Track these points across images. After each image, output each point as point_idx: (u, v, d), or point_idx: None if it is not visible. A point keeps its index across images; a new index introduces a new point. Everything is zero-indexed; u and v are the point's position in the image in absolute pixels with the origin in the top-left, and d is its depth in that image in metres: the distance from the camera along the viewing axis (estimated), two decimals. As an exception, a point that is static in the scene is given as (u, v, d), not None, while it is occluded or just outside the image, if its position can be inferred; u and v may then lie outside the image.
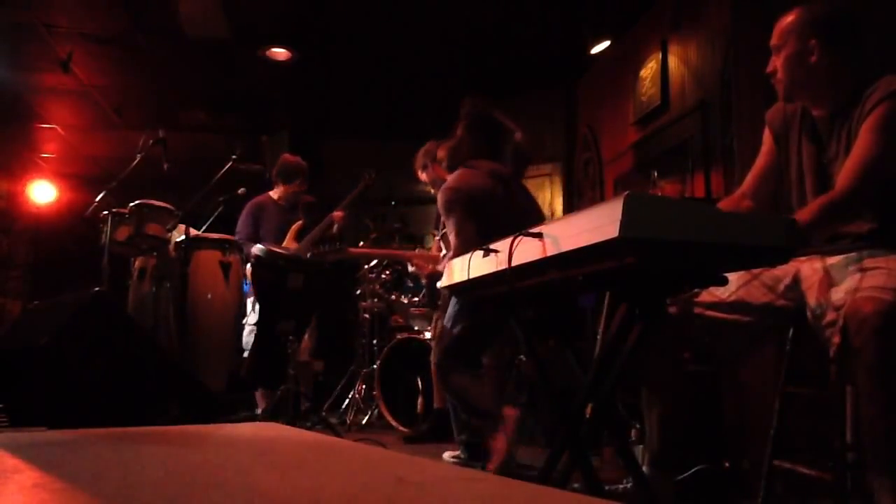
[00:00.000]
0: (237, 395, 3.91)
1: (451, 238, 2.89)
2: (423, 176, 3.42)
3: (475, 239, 2.83)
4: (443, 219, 2.97)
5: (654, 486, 1.81)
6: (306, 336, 4.25)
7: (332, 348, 4.91)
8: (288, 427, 1.81)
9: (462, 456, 3.14)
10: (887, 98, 1.65)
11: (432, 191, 3.40)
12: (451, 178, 2.98)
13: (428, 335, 4.27)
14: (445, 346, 2.90)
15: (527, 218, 2.94)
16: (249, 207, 4.22)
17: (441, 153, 3.26)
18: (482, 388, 2.87)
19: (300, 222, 4.25)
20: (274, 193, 4.33)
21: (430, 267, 3.34)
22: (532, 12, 4.55)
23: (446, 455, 3.25)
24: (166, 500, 0.89)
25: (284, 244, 4.15)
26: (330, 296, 4.53)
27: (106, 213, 3.52)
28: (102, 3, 4.41)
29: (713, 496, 2.31)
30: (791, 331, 1.87)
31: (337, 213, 4.26)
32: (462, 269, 1.90)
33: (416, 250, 3.60)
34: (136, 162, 3.75)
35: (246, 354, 3.97)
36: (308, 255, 3.94)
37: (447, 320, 2.97)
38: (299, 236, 4.20)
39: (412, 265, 3.40)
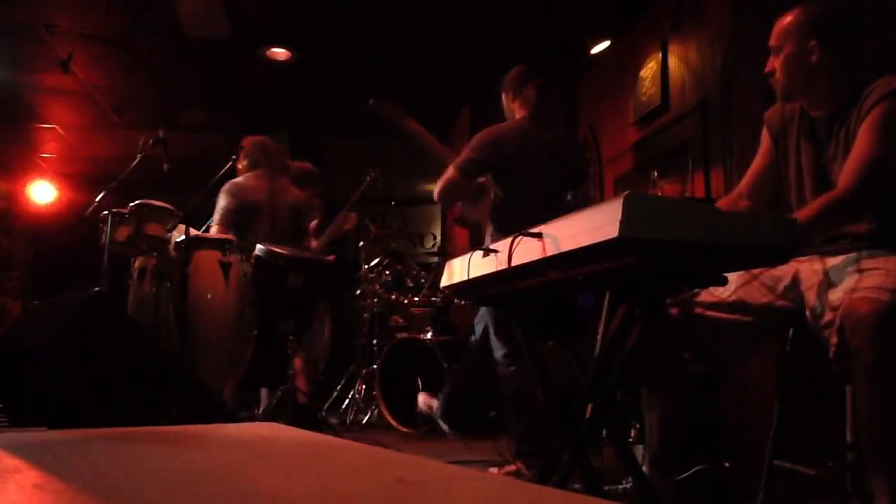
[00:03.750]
0: (238, 394, 3.91)
1: (449, 168, 2.83)
2: (504, 97, 3.13)
3: (457, 187, 2.82)
4: None
5: (654, 486, 1.81)
6: (322, 332, 4.37)
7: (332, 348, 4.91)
8: (288, 427, 1.81)
9: (522, 470, 2.75)
10: (886, 97, 1.65)
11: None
12: (494, 126, 2.91)
13: (429, 335, 4.27)
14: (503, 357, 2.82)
15: (548, 196, 2.85)
16: None
17: (530, 91, 3.00)
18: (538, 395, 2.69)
19: (316, 221, 4.36)
20: None
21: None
22: (532, 12, 4.54)
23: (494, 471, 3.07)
24: (166, 501, 0.89)
25: (304, 243, 4.28)
26: (333, 293, 4.57)
27: (106, 213, 3.51)
28: (102, 3, 4.40)
29: (713, 496, 2.31)
30: (791, 331, 1.87)
31: (350, 223, 4.45)
32: (462, 269, 1.90)
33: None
34: (136, 162, 3.75)
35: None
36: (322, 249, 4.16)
37: (493, 348, 2.89)
38: (317, 235, 4.35)
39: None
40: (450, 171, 2.83)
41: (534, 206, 2.75)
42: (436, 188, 2.88)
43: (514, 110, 3.02)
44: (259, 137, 4.11)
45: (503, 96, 3.11)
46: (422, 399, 3.17)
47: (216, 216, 3.85)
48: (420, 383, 4.12)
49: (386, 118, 3.27)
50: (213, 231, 3.80)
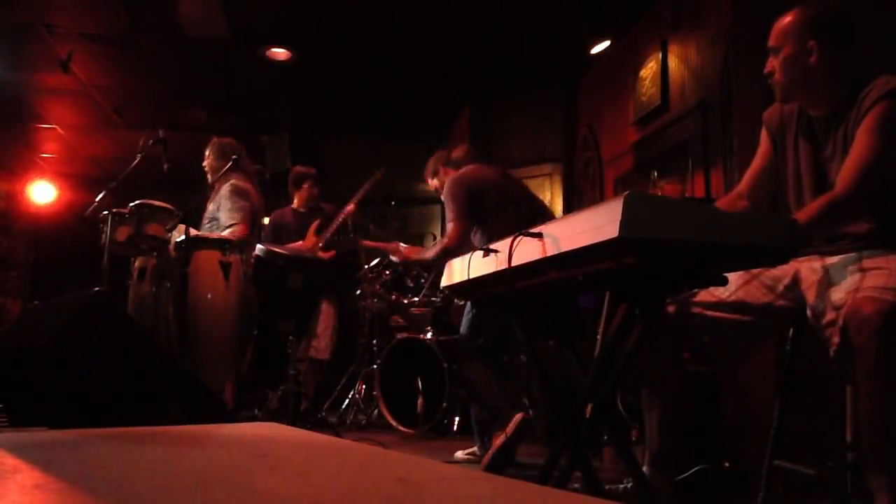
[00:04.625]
0: (238, 394, 3.92)
1: (448, 225, 2.98)
2: (432, 182, 3.47)
3: (467, 232, 3.01)
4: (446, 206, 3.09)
5: (654, 486, 1.81)
6: (327, 331, 4.41)
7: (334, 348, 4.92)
8: (288, 427, 1.81)
9: (478, 453, 3.18)
10: (884, 98, 1.65)
11: (442, 197, 3.43)
12: (461, 171, 3.14)
13: (429, 335, 4.27)
14: (464, 344, 3.01)
15: (530, 213, 3.02)
16: (271, 217, 4.60)
17: (458, 153, 3.37)
18: (494, 384, 2.95)
19: (318, 221, 4.45)
20: (294, 203, 4.63)
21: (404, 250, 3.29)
22: (532, 12, 4.54)
23: (459, 454, 3.26)
24: (166, 500, 0.89)
25: (306, 240, 4.35)
26: (335, 291, 4.60)
27: (106, 213, 3.51)
28: (102, 3, 4.41)
29: (713, 496, 2.31)
30: (791, 331, 1.87)
31: (349, 208, 4.49)
32: (462, 269, 1.90)
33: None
34: (136, 162, 3.75)
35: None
36: (323, 245, 4.28)
37: (463, 328, 3.06)
38: (319, 232, 4.43)
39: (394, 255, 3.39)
40: (451, 228, 2.98)
41: (514, 217, 2.98)
42: (448, 249, 2.94)
43: (450, 175, 3.26)
44: (229, 139, 4.11)
45: (431, 181, 3.43)
46: (460, 455, 3.30)
47: (240, 214, 3.81)
48: (420, 383, 4.13)
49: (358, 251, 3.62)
50: (238, 230, 3.78)
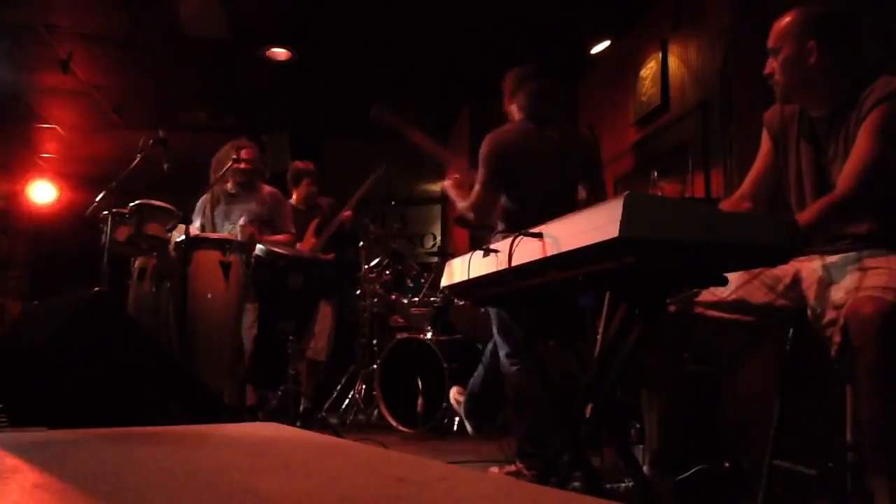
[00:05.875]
0: (238, 394, 3.91)
1: (475, 187, 2.80)
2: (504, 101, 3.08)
3: (488, 201, 2.78)
4: None
5: (654, 486, 1.81)
6: (324, 332, 4.44)
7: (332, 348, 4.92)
8: (288, 427, 1.81)
9: (523, 471, 2.67)
10: (885, 99, 1.65)
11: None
12: (502, 129, 2.88)
13: (429, 335, 4.27)
14: (502, 353, 2.81)
15: (557, 178, 2.80)
16: None
17: (520, 99, 2.96)
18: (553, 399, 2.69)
19: (317, 220, 4.46)
20: (292, 200, 4.60)
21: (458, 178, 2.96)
22: (532, 12, 4.54)
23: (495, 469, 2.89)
24: (166, 501, 0.89)
25: (304, 240, 4.37)
26: (334, 292, 4.60)
27: (106, 213, 3.51)
28: (102, 3, 4.41)
29: (713, 496, 2.31)
30: (791, 331, 1.87)
31: (345, 214, 4.54)
32: (462, 269, 1.90)
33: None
34: (136, 162, 3.74)
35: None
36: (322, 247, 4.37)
37: (495, 335, 2.85)
38: (318, 233, 4.48)
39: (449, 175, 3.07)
40: (477, 190, 2.79)
41: (543, 207, 2.69)
42: (467, 210, 2.82)
43: (513, 113, 2.99)
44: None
45: (504, 100, 3.07)
46: (454, 392, 3.20)
47: (291, 220, 4.15)
48: (420, 383, 4.13)
49: (388, 126, 3.29)
50: (293, 237, 4.13)
